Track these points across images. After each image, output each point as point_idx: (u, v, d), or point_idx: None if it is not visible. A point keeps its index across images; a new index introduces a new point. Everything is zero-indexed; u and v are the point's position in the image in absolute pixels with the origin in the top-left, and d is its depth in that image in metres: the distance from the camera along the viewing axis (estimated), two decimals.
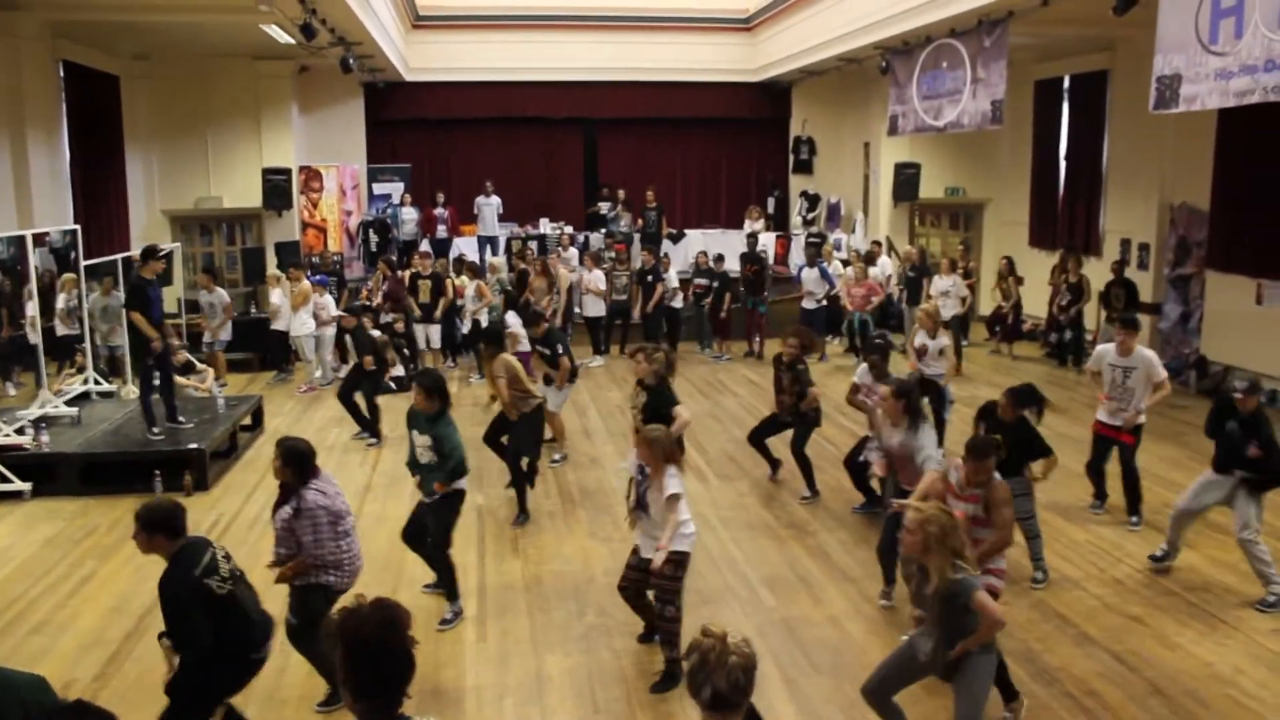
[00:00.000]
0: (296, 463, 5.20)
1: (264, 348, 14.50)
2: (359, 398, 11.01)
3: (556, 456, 9.99)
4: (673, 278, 15.51)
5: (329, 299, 13.58)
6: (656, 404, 7.82)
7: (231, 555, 4.68)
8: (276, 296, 13.82)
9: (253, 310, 15.14)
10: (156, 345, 9.82)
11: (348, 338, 11.58)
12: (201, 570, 4.42)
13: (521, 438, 8.62)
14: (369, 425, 10.93)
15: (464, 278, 14.53)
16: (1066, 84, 16.14)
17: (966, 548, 4.45)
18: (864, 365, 8.27)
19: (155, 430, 9.77)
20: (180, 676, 4.46)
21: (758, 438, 9.36)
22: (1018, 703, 5.25)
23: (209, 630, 4.35)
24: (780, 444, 9.24)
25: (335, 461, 9.78)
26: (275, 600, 5.24)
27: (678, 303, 15.40)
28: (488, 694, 5.64)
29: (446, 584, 6.53)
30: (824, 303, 15.12)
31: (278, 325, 13.86)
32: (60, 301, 11.46)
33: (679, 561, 5.61)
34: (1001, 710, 5.22)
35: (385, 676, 2.66)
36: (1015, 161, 17.54)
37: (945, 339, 9.98)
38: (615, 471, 9.24)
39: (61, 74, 13.60)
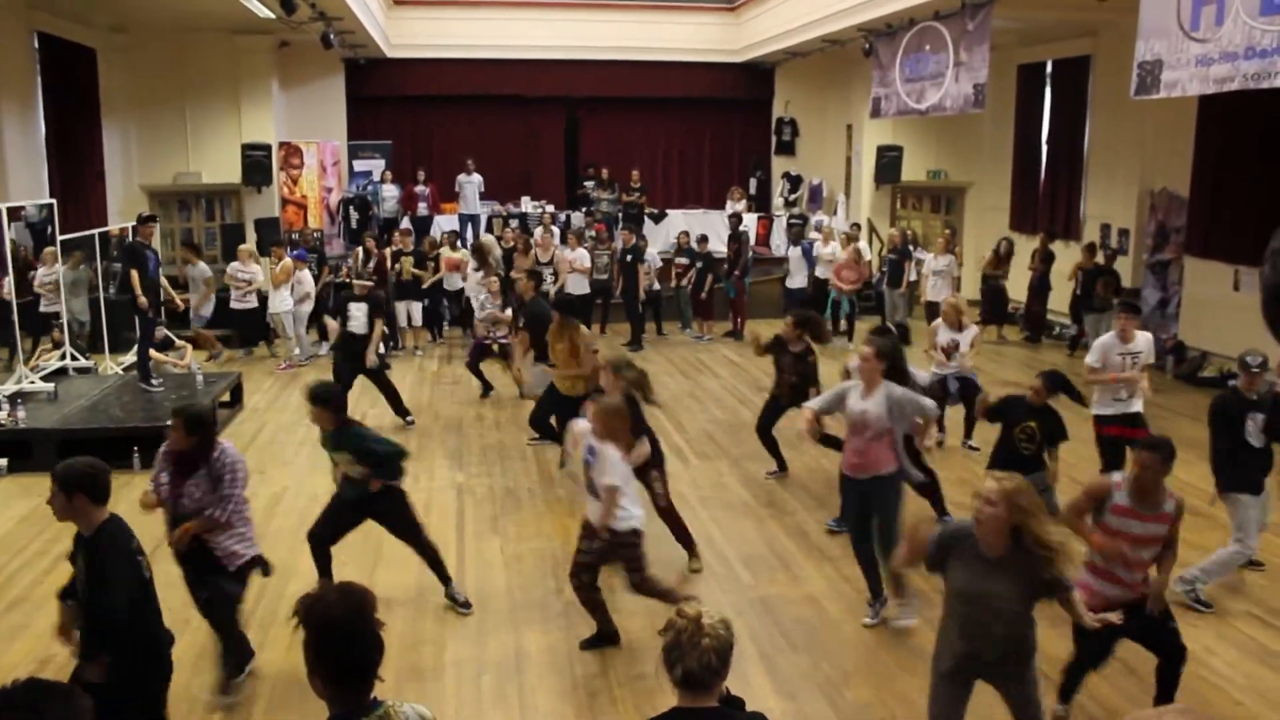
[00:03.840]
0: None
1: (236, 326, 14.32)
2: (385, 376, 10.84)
3: (536, 435, 9.97)
4: (655, 258, 15.47)
5: (307, 275, 13.49)
6: None
7: None
8: (234, 269, 13.66)
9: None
10: (142, 303, 10.66)
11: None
12: (136, 546, 4.25)
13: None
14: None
15: (464, 252, 14.46)
16: (1049, 69, 16.17)
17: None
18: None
19: (152, 383, 10.64)
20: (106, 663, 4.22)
21: (765, 428, 8.85)
22: (1070, 704, 5.14)
23: (127, 610, 4.12)
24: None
25: (314, 441, 9.72)
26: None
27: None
28: (466, 669, 5.64)
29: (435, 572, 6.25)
30: (806, 286, 15.15)
31: (239, 303, 13.68)
32: (41, 275, 11.38)
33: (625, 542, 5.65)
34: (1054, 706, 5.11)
35: (355, 662, 2.60)
36: (997, 146, 17.58)
37: (974, 328, 9.22)
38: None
39: (36, 46, 13.42)
